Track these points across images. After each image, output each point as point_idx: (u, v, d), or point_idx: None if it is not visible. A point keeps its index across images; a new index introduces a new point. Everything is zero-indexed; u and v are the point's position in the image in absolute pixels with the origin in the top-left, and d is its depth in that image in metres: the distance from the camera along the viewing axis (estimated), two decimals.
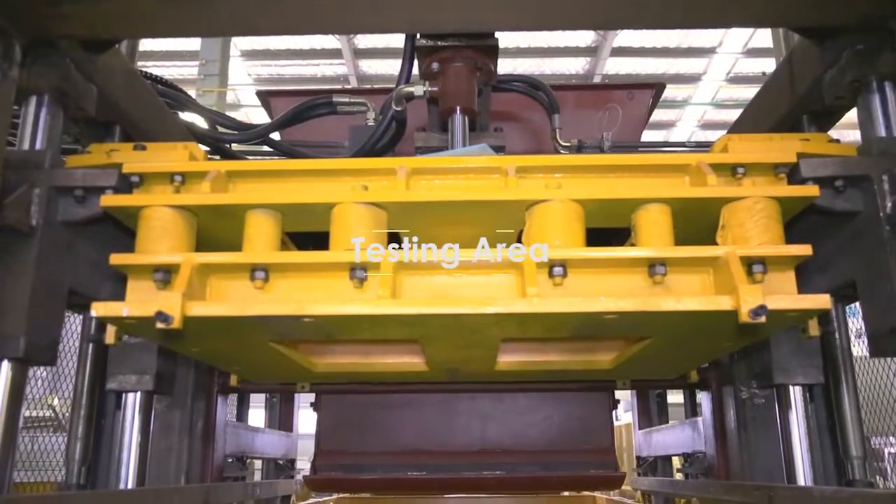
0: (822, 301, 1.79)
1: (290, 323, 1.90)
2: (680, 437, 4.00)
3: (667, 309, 1.80)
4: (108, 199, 2.02)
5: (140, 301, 1.86)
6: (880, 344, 2.08)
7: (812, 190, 1.99)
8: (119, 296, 2.01)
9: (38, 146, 2.23)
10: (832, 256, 2.32)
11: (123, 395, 2.69)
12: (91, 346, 2.69)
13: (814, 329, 2.27)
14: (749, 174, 2.08)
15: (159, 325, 1.75)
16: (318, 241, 2.08)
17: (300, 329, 1.97)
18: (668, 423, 4.62)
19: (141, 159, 2.16)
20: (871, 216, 2.12)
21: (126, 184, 2.11)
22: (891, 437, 5.65)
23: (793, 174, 2.10)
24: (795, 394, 2.61)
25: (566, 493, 4.44)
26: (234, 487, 3.47)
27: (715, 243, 2.00)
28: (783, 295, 1.83)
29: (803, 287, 1.98)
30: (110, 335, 2.15)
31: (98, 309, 1.84)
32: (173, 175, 2.08)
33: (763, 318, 1.72)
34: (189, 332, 1.96)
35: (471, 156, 2.32)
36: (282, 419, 4.92)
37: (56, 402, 6.63)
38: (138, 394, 2.67)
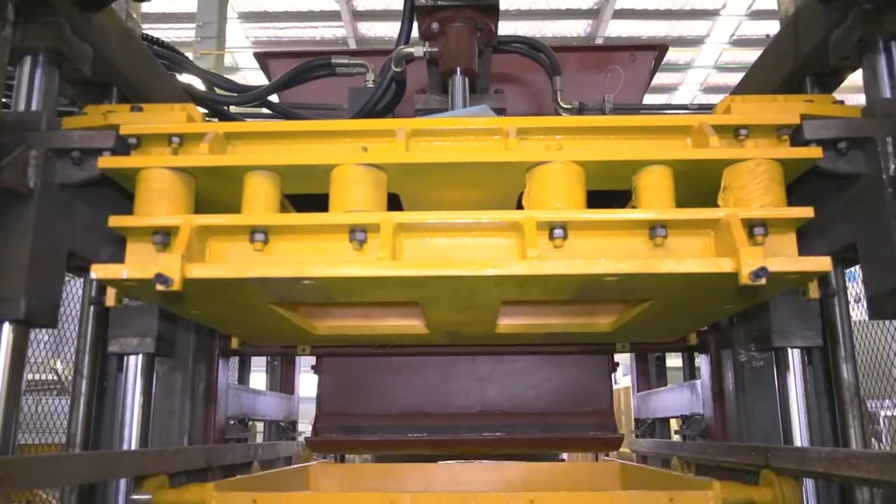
0: (823, 263, 1.79)
1: (289, 285, 1.90)
2: (678, 399, 4.03)
3: (667, 271, 1.80)
4: (106, 161, 2.00)
5: (139, 263, 1.86)
6: (880, 306, 2.08)
7: (815, 152, 1.97)
8: (119, 258, 2.01)
9: (33, 107, 2.21)
10: (833, 219, 2.31)
11: (125, 357, 2.70)
12: (92, 308, 2.69)
13: (814, 291, 2.28)
14: (752, 136, 2.07)
15: (159, 287, 1.75)
16: (318, 205, 2.07)
17: (300, 291, 1.98)
18: (666, 386, 4.66)
19: (138, 121, 2.15)
20: (873, 178, 2.10)
21: (123, 146, 2.10)
22: (886, 401, 5.70)
23: (796, 136, 2.09)
24: (794, 356, 2.62)
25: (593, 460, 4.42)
26: (236, 448, 3.50)
27: (716, 205, 1.99)
28: (784, 257, 1.83)
29: (803, 250, 1.98)
30: (110, 297, 2.15)
31: (98, 271, 1.84)
32: (171, 137, 2.06)
33: (763, 280, 1.72)
34: (189, 294, 1.96)
35: (471, 117, 2.30)
36: (283, 382, 4.96)
37: (59, 365, 6.67)
38: (140, 356, 2.68)
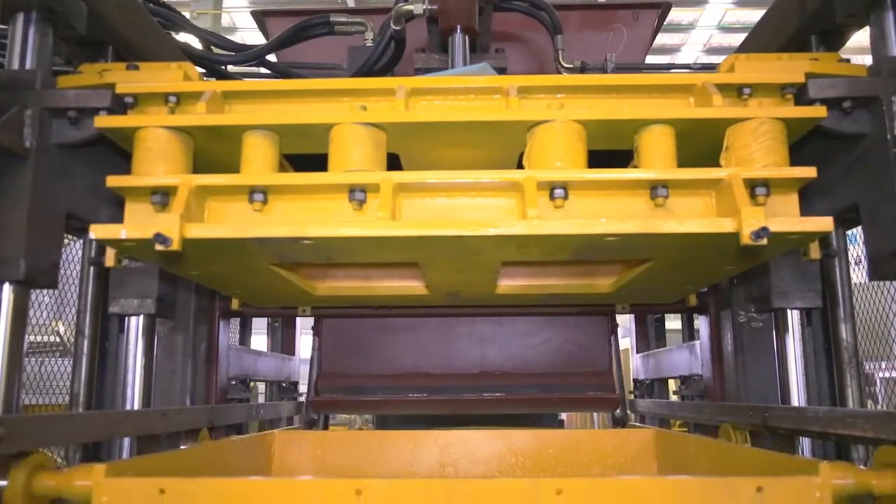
0: (825, 223, 1.79)
1: (289, 245, 1.89)
2: (677, 360, 4.06)
3: (668, 231, 1.79)
4: (103, 121, 1.98)
5: (138, 223, 1.86)
6: (881, 267, 2.08)
7: (819, 111, 1.95)
8: (118, 220, 2.00)
9: (27, 65, 2.17)
10: (835, 180, 2.30)
11: (126, 318, 2.71)
12: (92, 269, 2.69)
13: (815, 252, 2.27)
14: (755, 95, 2.04)
15: (158, 247, 1.74)
16: (317, 167, 2.05)
17: (300, 251, 1.97)
18: (665, 347, 4.69)
19: (134, 80, 2.12)
20: (877, 138, 2.09)
21: (120, 105, 2.08)
22: (883, 363, 5.74)
23: (800, 95, 2.06)
24: (793, 318, 2.63)
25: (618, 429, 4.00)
26: (237, 409, 3.54)
27: (718, 166, 1.98)
28: (785, 217, 1.82)
29: (805, 211, 1.97)
30: (110, 258, 2.15)
31: (96, 231, 1.83)
32: (168, 96, 2.04)
33: (765, 241, 1.71)
34: (188, 255, 1.96)
35: (471, 76, 2.27)
36: (284, 344, 4.99)
37: (61, 327, 6.71)
38: (141, 317, 2.69)
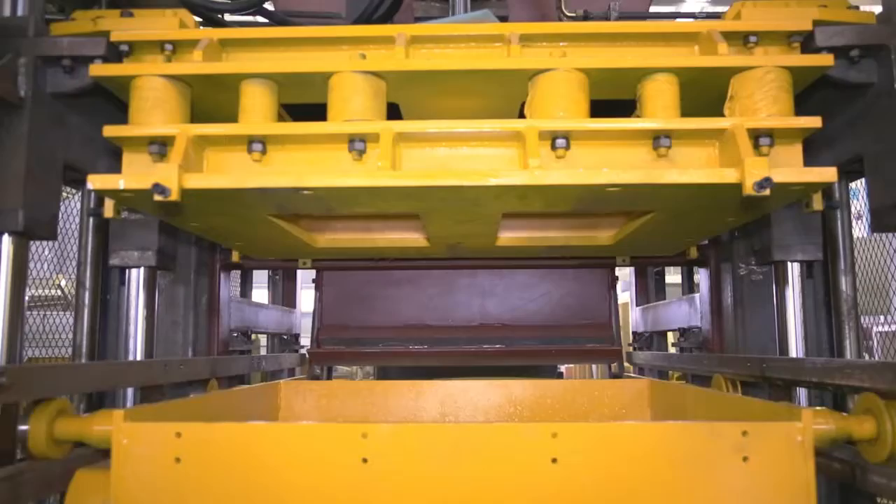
0: (829, 174, 1.77)
1: (288, 195, 1.88)
2: (677, 312, 4.07)
3: (670, 181, 1.78)
4: (98, 69, 1.95)
5: (137, 173, 1.84)
6: (883, 219, 2.07)
7: (826, 59, 1.92)
8: (116, 171, 1.98)
9: (20, 12, 2.14)
10: (839, 131, 2.27)
11: (127, 271, 2.71)
12: (92, 221, 2.68)
13: (817, 203, 2.26)
14: (762, 43, 2.01)
15: (157, 198, 1.73)
16: (317, 118, 2.03)
17: (299, 202, 1.96)
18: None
19: (129, 27, 2.08)
20: (884, 88, 2.06)
21: (115, 53, 2.04)
22: (880, 317, 5.77)
23: (807, 43, 2.03)
24: (793, 270, 2.63)
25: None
26: (239, 360, 3.56)
27: (721, 115, 1.95)
28: (789, 168, 1.81)
29: (808, 162, 1.95)
30: (108, 209, 2.14)
31: (94, 181, 1.82)
32: (164, 44, 2.01)
33: (767, 191, 1.70)
34: (187, 206, 1.95)
35: (473, 22, 2.23)
36: (284, 297, 5.01)
37: (63, 281, 6.73)
38: (141, 269, 2.69)
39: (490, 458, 1.64)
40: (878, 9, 2.16)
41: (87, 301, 2.72)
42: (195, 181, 1.78)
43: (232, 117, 2.00)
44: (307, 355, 4.44)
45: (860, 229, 4.13)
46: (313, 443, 1.69)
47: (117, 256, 2.63)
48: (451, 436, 1.68)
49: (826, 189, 2.44)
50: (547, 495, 1.62)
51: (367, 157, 1.86)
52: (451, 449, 1.65)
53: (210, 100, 2.06)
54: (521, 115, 2.05)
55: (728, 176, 1.76)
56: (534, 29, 2.02)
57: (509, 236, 2.67)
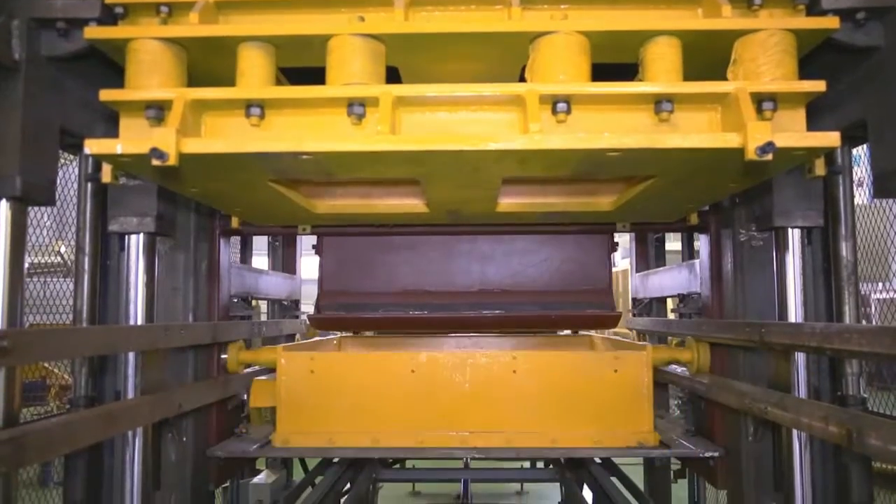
0: (832, 138, 1.76)
1: (287, 160, 1.87)
2: (676, 278, 4.08)
3: (672, 146, 1.77)
4: (93, 31, 1.93)
5: (134, 138, 1.83)
6: (885, 184, 2.05)
7: (832, 22, 1.89)
8: (113, 135, 1.96)
9: None
10: (843, 96, 2.25)
11: (126, 237, 2.70)
12: (90, 187, 2.66)
13: (819, 168, 2.24)
14: (766, 5, 1.98)
15: (155, 162, 1.72)
16: (316, 82, 2.01)
17: (298, 167, 1.95)
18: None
19: None
20: (890, 52, 2.03)
21: (110, 15, 2.01)
22: (878, 284, 5.77)
23: (812, 5, 2.00)
24: (794, 236, 2.62)
25: (562, 333, 4.60)
26: (240, 325, 3.58)
27: (725, 79, 1.93)
28: (792, 132, 1.79)
29: (811, 127, 1.94)
30: (106, 174, 2.12)
31: (91, 146, 1.80)
32: (159, 6, 1.98)
33: (770, 156, 1.69)
34: (186, 171, 1.94)
35: None
36: (285, 262, 5.01)
37: (63, 248, 6.73)
38: (141, 235, 2.68)
39: (480, 369, 3.22)
40: None
41: (86, 267, 2.71)
42: (193, 146, 1.77)
43: (230, 80, 1.98)
44: (308, 320, 4.46)
45: (860, 196, 4.12)
46: (385, 363, 3.27)
47: (116, 223, 2.62)
48: (459, 358, 3.24)
49: (828, 154, 2.43)
50: (511, 389, 3.18)
51: (367, 122, 1.85)
52: (459, 364, 3.22)
53: (207, 63, 2.04)
54: (522, 79, 2.03)
55: (730, 140, 1.74)
56: None
57: (509, 202, 2.66)
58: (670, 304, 4.63)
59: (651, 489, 4.86)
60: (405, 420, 3.18)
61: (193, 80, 2.02)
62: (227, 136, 1.90)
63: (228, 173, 2.04)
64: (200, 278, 3.19)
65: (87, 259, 2.71)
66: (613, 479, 4.19)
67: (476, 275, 3.90)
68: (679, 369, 3.66)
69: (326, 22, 2.00)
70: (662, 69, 1.91)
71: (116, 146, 1.78)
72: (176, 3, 1.99)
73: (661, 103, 1.85)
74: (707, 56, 1.98)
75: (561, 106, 1.82)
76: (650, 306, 4.73)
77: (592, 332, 4.56)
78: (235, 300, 3.67)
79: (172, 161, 1.72)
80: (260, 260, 4.83)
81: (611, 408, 3.12)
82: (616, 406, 3.14)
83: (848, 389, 2.53)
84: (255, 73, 1.94)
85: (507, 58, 2.05)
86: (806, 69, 2.01)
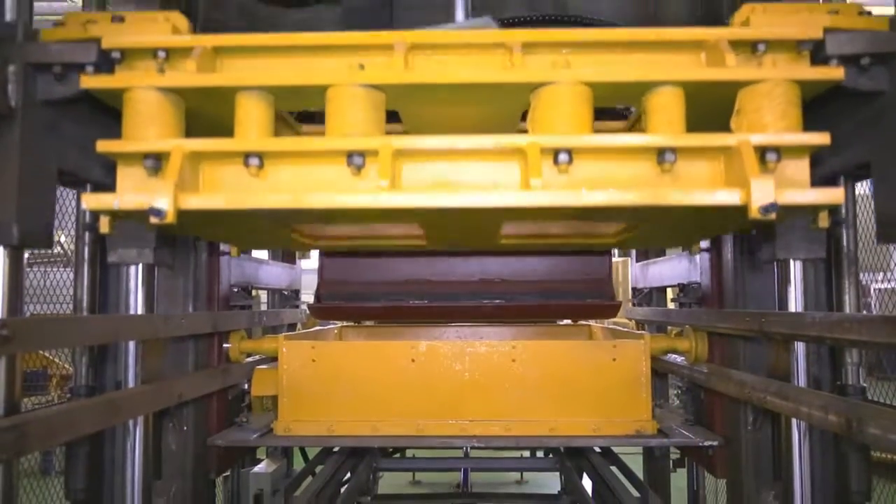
0: (836, 195, 1.75)
1: (287, 211, 1.87)
2: (676, 268, 4.08)
3: (674, 203, 1.77)
4: (89, 81, 1.89)
5: (132, 192, 1.82)
6: (889, 230, 2.03)
7: (836, 72, 1.87)
8: (110, 176, 1.96)
9: (7, 17, 2.05)
10: (847, 136, 2.20)
11: None
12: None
13: (823, 221, 2.22)
14: (770, 50, 1.95)
15: (153, 220, 1.72)
16: (320, 119, 1.99)
17: (297, 216, 1.96)
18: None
19: (121, 33, 2.00)
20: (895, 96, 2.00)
21: (106, 59, 1.97)
22: (878, 274, 5.77)
23: (817, 50, 1.96)
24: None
25: (562, 323, 4.61)
26: (240, 315, 3.58)
27: (728, 124, 1.92)
28: (795, 189, 1.78)
29: (814, 166, 1.92)
30: (104, 224, 2.07)
31: (89, 201, 1.80)
32: (156, 51, 1.94)
33: (773, 215, 1.69)
34: (185, 221, 1.93)
35: (474, 29, 2.17)
36: (285, 253, 5.01)
37: (63, 238, 6.73)
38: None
39: (479, 358, 3.26)
40: (888, 9, 2.10)
41: (86, 256, 2.71)
42: (192, 202, 1.76)
43: (229, 121, 1.96)
44: (308, 310, 4.47)
45: (861, 186, 4.11)
46: (386, 352, 3.31)
47: (115, 254, 2.49)
48: (459, 347, 3.28)
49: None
50: (510, 378, 3.22)
51: (367, 171, 1.84)
52: (458, 354, 3.26)
53: (205, 106, 2.01)
54: (525, 118, 2.02)
55: (733, 198, 1.74)
56: (535, 37, 1.96)
57: (511, 233, 2.67)
58: (670, 293, 4.63)
59: (650, 478, 4.87)
60: (405, 409, 3.20)
61: (191, 122, 2.00)
62: (225, 186, 1.89)
63: (227, 221, 2.04)
64: (201, 268, 3.19)
65: (86, 249, 2.70)
66: (613, 468, 4.20)
67: (476, 265, 3.91)
68: (678, 359, 3.67)
69: (325, 68, 1.97)
70: (665, 120, 1.89)
71: (114, 202, 1.77)
72: (173, 48, 1.95)
73: (663, 154, 1.83)
74: (711, 100, 1.97)
75: (563, 157, 1.81)
76: (650, 296, 4.73)
77: (592, 322, 4.57)
78: (236, 290, 3.67)
79: (171, 219, 1.72)
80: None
81: (609, 397, 3.15)
82: (615, 395, 3.16)
83: (848, 379, 2.53)
84: (253, 122, 1.92)
85: (508, 102, 2.04)
86: (809, 106, 1.99)
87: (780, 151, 1.81)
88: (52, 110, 2.07)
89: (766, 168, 1.81)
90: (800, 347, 2.59)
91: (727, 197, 1.74)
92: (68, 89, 2.01)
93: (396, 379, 3.22)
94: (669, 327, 4.05)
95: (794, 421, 2.56)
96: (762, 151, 1.80)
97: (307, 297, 4.62)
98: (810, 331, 2.13)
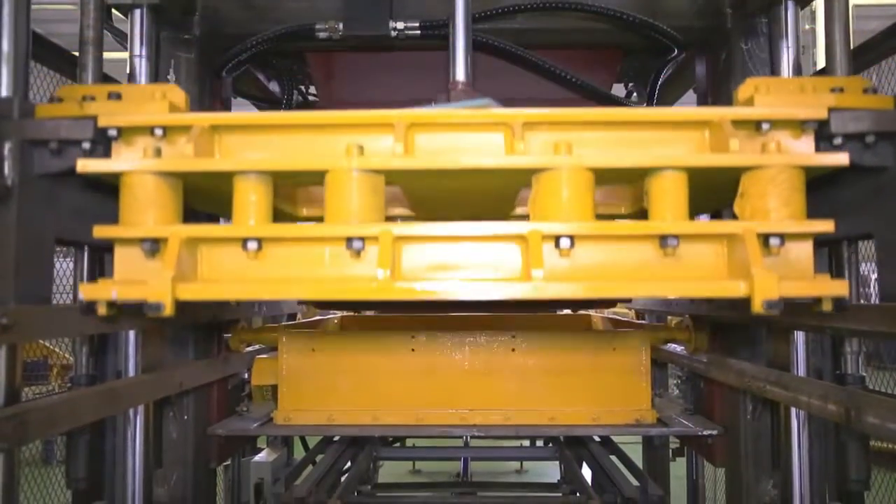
0: (840, 287, 1.76)
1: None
2: None
3: (676, 295, 1.86)
4: (85, 165, 1.87)
5: (130, 270, 1.86)
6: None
7: (841, 159, 1.84)
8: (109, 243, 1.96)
9: (3, 92, 2.02)
10: (852, 204, 2.18)
11: None
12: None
13: (826, 305, 2.24)
14: (775, 128, 1.93)
15: (150, 314, 1.73)
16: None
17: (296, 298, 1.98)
18: None
19: (117, 111, 1.97)
20: None
21: (103, 136, 1.95)
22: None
23: (822, 128, 1.95)
24: None
25: (561, 312, 4.61)
26: (241, 304, 3.58)
27: (731, 202, 1.92)
28: (799, 281, 1.79)
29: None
30: (101, 308, 2.04)
31: (86, 292, 1.80)
32: (153, 129, 1.92)
33: (777, 311, 1.70)
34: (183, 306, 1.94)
35: (475, 108, 2.15)
36: None
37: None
38: None
39: (479, 347, 3.34)
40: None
41: (85, 248, 2.70)
42: (190, 293, 1.78)
43: (228, 195, 1.95)
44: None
45: None
46: (386, 341, 3.36)
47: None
48: (458, 336, 3.34)
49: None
50: (510, 367, 3.30)
51: (366, 254, 1.85)
52: (458, 343, 3.34)
53: (204, 183, 2.01)
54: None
55: (736, 289, 1.75)
56: (537, 118, 1.94)
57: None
58: None
59: (649, 467, 4.90)
60: (405, 398, 3.20)
61: (191, 194, 2.00)
62: (223, 269, 1.89)
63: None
64: None
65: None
66: (612, 457, 4.22)
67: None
68: (678, 348, 3.68)
69: (324, 147, 1.97)
70: (668, 204, 1.88)
71: (111, 292, 1.77)
72: (170, 126, 1.93)
73: (666, 239, 1.84)
74: (715, 180, 1.98)
75: (564, 242, 1.81)
76: None
77: (591, 311, 4.58)
78: None
79: (168, 312, 1.72)
80: None
81: (609, 386, 3.17)
82: (614, 384, 3.18)
83: (847, 368, 2.54)
84: (251, 205, 1.90)
85: (510, 181, 2.05)
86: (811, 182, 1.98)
87: (784, 237, 1.82)
88: (49, 181, 2.05)
89: (770, 252, 1.82)
90: (799, 337, 2.60)
91: (731, 288, 1.76)
92: (65, 163, 1.98)
93: (396, 368, 3.25)
94: (669, 317, 4.06)
95: (793, 410, 2.57)
96: (766, 236, 1.81)
97: None
98: (810, 320, 2.13)
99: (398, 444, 5.90)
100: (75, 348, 2.68)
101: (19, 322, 1.72)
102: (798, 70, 2.73)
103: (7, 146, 1.92)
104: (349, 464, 4.49)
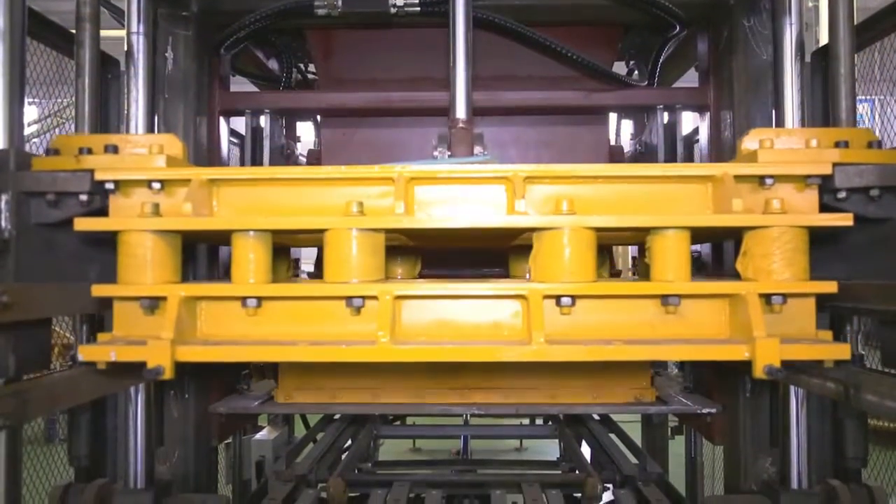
0: (842, 351, 1.77)
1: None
2: None
3: (678, 358, 1.88)
4: (82, 223, 1.86)
5: (128, 327, 1.87)
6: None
7: (845, 219, 1.84)
8: (107, 277, 1.96)
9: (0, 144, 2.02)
10: (856, 248, 2.17)
11: None
12: None
13: (829, 363, 2.25)
14: (779, 182, 1.92)
15: (149, 378, 1.74)
16: None
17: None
18: None
19: (114, 164, 1.96)
20: None
21: (100, 189, 1.93)
22: None
23: (826, 182, 1.94)
24: None
25: None
26: None
27: (733, 256, 1.94)
28: (801, 345, 1.79)
29: (817, 268, 1.91)
30: (101, 364, 2.06)
31: (85, 353, 1.81)
32: (151, 182, 1.91)
33: (777, 378, 1.71)
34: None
35: (474, 163, 2.16)
36: None
37: None
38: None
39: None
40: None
41: None
42: (189, 354, 1.78)
43: (227, 235, 1.94)
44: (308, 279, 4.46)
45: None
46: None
47: None
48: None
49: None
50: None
51: (366, 311, 1.85)
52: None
53: (203, 238, 2.07)
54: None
55: (738, 352, 1.75)
56: (538, 172, 1.93)
57: None
58: None
59: (648, 445, 4.92)
60: (405, 376, 3.20)
61: (186, 238, 1.99)
62: (222, 326, 1.90)
63: None
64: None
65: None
66: (612, 435, 4.24)
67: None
68: None
69: (322, 203, 1.96)
70: (671, 262, 1.88)
71: (111, 353, 1.78)
72: (167, 180, 1.91)
73: (668, 298, 1.85)
74: (717, 232, 1.97)
75: (566, 300, 1.82)
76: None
77: None
78: None
79: (168, 375, 1.72)
80: None
81: (608, 364, 3.14)
82: (614, 363, 3.16)
83: None
84: (249, 263, 1.90)
85: (511, 237, 2.07)
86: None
87: (787, 297, 1.82)
88: (46, 229, 2.04)
89: (772, 310, 1.82)
90: None
91: (733, 352, 1.77)
92: (63, 213, 1.98)
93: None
94: None
95: (791, 388, 2.58)
96: (768, 295, 1.82)
97: (307, 266, 4.63)
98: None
99: (398, 423, 5.94)
100: (75, 326, 2.68)
101: (19, 301, 1.72)
102: (801, 47, 2.70)
103: (4, 199, 1.92)
104: (350, 442, 4.52)
